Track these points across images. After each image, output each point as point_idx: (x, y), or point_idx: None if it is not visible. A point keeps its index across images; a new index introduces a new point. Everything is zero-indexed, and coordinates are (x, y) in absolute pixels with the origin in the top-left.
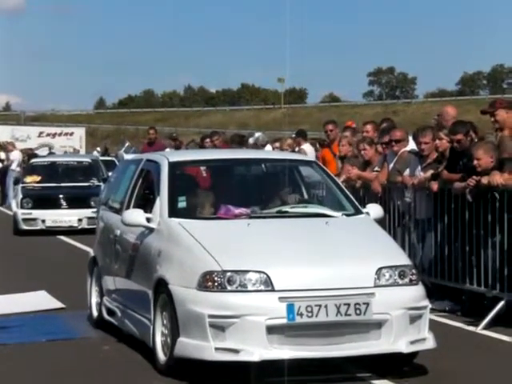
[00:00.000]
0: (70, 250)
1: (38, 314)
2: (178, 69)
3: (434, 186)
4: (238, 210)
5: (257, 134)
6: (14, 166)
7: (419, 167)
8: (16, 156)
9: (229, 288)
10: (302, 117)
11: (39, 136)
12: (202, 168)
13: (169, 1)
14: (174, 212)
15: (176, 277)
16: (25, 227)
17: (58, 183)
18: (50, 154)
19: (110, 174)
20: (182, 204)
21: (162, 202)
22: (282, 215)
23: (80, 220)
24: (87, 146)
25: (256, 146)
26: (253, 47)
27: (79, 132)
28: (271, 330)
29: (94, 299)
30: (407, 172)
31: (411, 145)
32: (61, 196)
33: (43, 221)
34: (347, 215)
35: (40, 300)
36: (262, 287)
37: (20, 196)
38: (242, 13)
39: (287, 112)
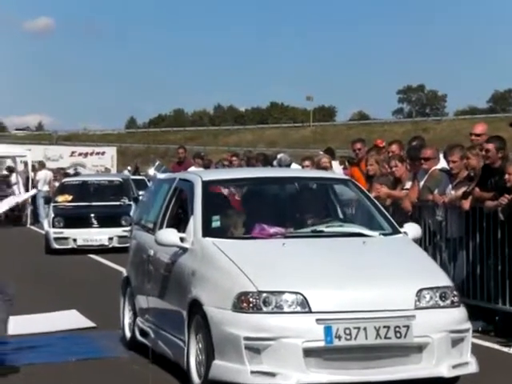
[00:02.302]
0: (101, 269)
1: (69, 333)
2: (208, 88)
3: (466, 204)
4: (272, 230)
5: (279, 156)
6: (39, 186)
7: (450, 185)
8: (41, 176)
9: (264, 309)
10: (331, 135)
11: (71, 155)
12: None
13: (198, 21)
14: (207, 231)
15: (211, 298)
16: (56, 246)
17: (89, 202)
18: (76, 174)
19: (140, 192)
20: (215, 223)
21: (195, 221)
22: (318, 234)
23: (111, 239)
24: (118, 165)
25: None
26: (281, 66)
27: (110, 151)
28: (308, 353)
29: (127, 320)
30: (437, 190)
31: (442, 163)
32: (92, 215)
33: (74, 240)
34: (384, 235)
35: (71, 319)
36: (299, 308)
37: (52, 215)
38: (269, 32)
39: (316, 130)
